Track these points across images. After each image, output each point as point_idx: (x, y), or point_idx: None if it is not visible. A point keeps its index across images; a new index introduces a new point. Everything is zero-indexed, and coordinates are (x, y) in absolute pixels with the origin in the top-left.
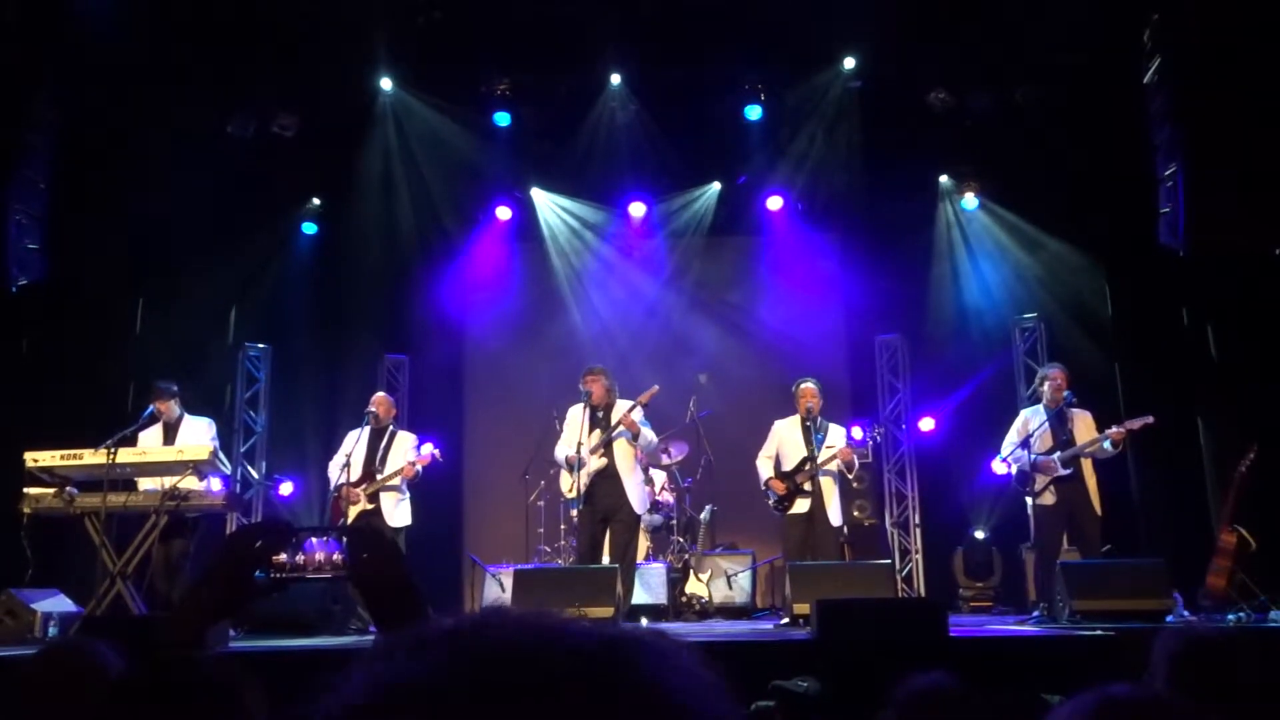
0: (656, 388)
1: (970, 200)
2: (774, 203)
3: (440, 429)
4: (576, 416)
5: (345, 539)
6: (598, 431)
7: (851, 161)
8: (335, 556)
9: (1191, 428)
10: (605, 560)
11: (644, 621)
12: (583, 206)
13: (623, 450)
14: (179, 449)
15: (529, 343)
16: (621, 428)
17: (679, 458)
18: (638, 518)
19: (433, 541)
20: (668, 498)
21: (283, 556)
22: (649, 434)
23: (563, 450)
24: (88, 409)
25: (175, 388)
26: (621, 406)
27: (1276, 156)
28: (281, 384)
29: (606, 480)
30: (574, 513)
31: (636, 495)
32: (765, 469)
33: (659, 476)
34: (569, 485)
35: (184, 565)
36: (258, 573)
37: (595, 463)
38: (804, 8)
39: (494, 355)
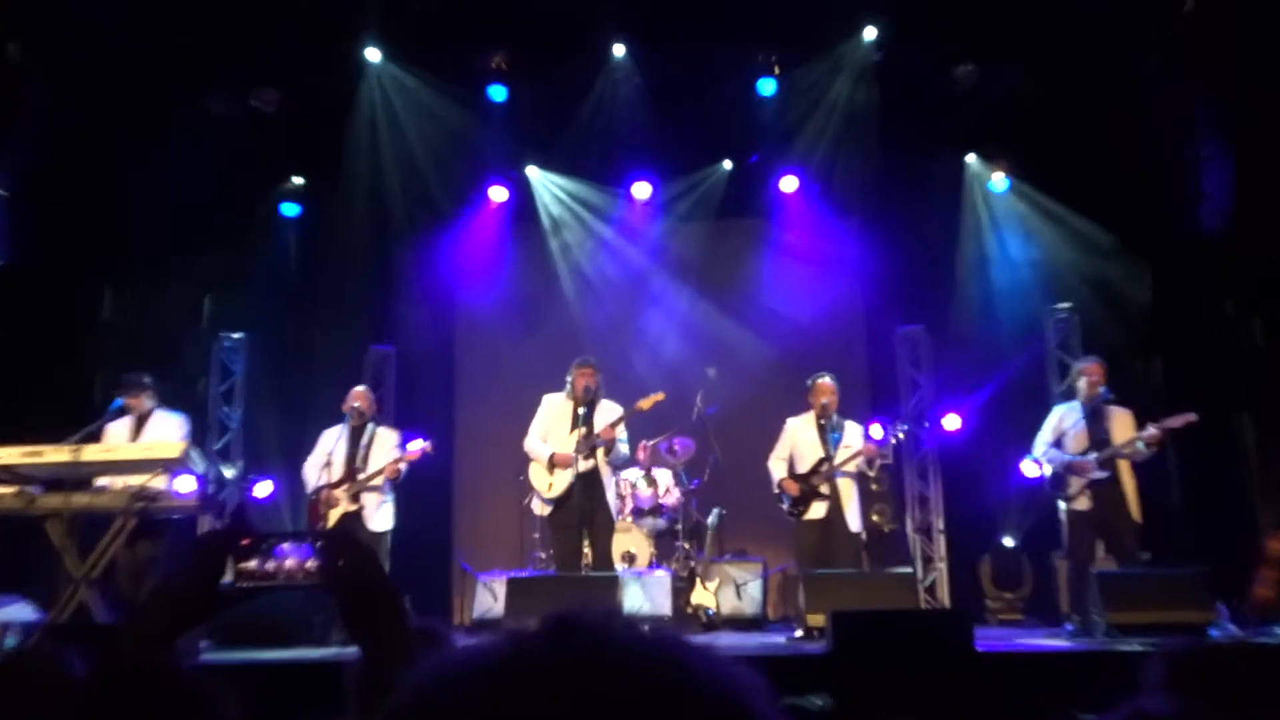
0: (661, 395)
1: (999, 181)
2: (788, 184)
3: (429, 425)
4: (557, 409)
5: (319, 544)
6: (580, 432)
7: (871, 140)
8: (308, 563)
9: (1237, 427)
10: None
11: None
12: (583, 187)
13: (604, 455)
14: (148, 446)
15: (525, 333)
16: (601, 438)
17: (684, 456)
18: (614, 523)
19: (419, 547)
20: (672, 500)
21: (252, 563)
22: (623, 449)
23: (542, 446)
24: (50, 403)
25: (147, 380)
26: (607, 408)
27: None
28: (259, 376)
29: (588, 483)
30: (540, 511)
31: (613, 500)
32: (778, 470)
33: (663, 477)
34: (546, 483)
35: (152, 571)
36: (224, 581)
37: (581, 464)
38: None
39: (487, 346)
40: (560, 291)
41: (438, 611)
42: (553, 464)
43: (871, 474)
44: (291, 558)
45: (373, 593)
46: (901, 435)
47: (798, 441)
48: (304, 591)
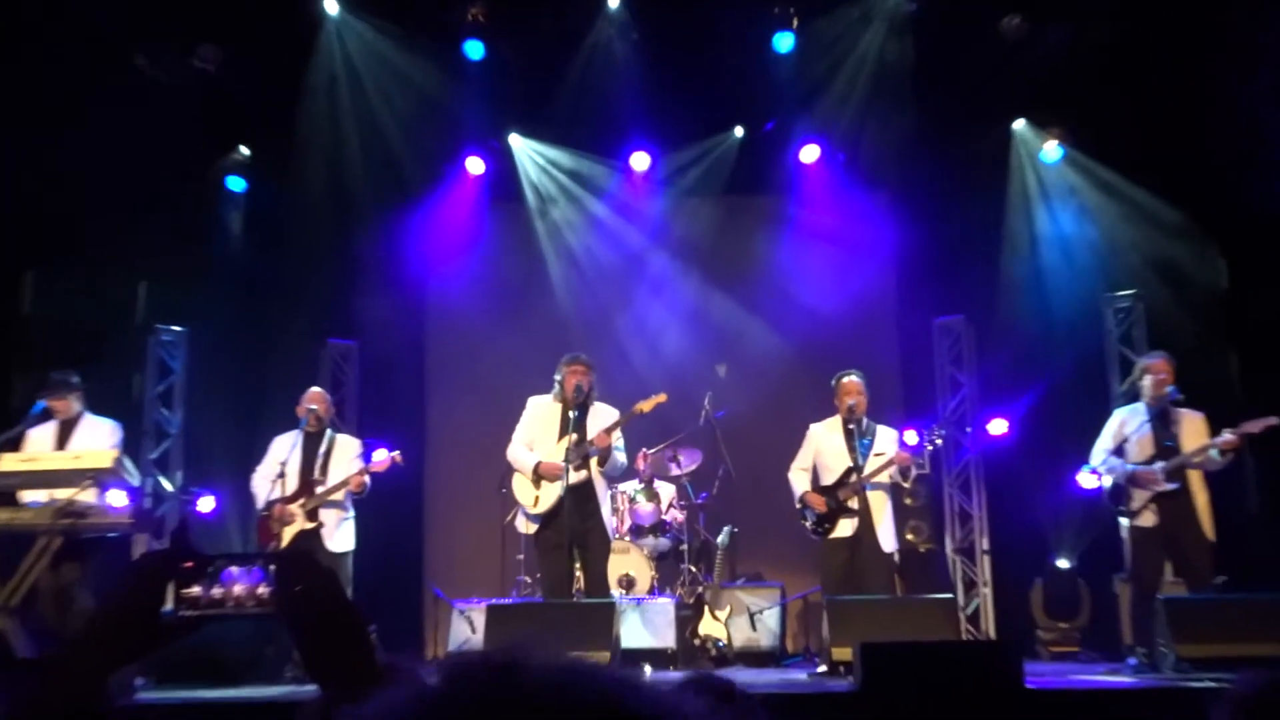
0: (663, 396)
1: (1052, 150)
2: (809, 154)
3: (397, 432)
4: (545, 412)
5: (272, 567)
6: (571, 438)
7: (904, 103)
8: (260, 589)
9: None
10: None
11: (647, 670)
12: (573, 158)
13: (596, 463)
14: (76, 455)
15: (507, 326)
16: (594, 445)
17: (690, 467)
18: (610, 543)
19: (385, 570)
20: (676, 516)
21: (195, 589)
22: (620, 458)
23: (526, 455)
24: None
25: (74, 379)
26: (601, 411)
27: None
28: (202, 376)
29: (580, 498)
30: (524, 529)
31: (609, 517)
32: (800, 483)
33: (666, 491)
34: (532, 497)
35: (80, 597)
36: (163, 609)
37: (572, 476)
38: None
39: (464, 341)
40: (547, 278)
41: (407, 644)
42: (539, 475)
43: (906, 486)
44: (240, 583)
45: (334, 623)
46: (938, 441)
47: (822, 450)
48: (254, 621)
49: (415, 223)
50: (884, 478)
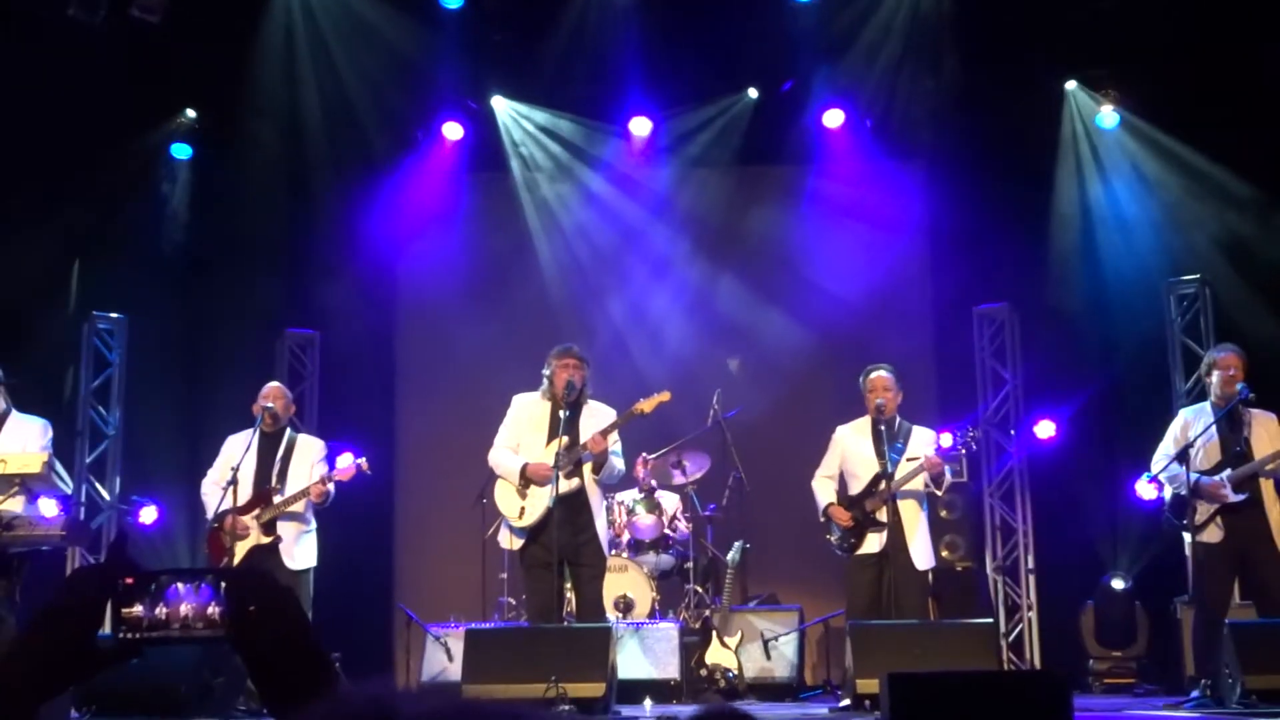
0: (666, 395)
1: (1108, 116)
2: (832, 118)
3: (363, 433)
4: (532, 412)
5: (223, 585)
6: (562, 441)
7: (942, 60)
8: (210, 609)
9: None
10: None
11: (648, 705)
12: (563, 123)
13: (590, 469)
14: (1, 458)
15: (488, 313)
16: (588, 449)
17: (697, 475)
18: (606, 560)
19: (351, 590)
20: (681, 530)
21: (137, 609)
22: (617, 463)
23: (511, 458)
24: None
25: None
26: (595, 411)
27: None
28: (143, 369)
29: (572, 509)
30: (508, 544)
31: (604, 531)
32: (824, 493)
33: (669, 502)
34: (516, 508)
35: (4, 617)
36: (102, 632)
37: (563, 483)
38: None
39: (439, 331)
40: (534, 259)
41: (375, 670)
42: (525, 479)
43: (940, 495)
44: (188, 602)
45: (292, 649)
46: (973, 444)
47: (849, 455)
48: (203, 646)
49: (384, 196)
50: (917, 485)
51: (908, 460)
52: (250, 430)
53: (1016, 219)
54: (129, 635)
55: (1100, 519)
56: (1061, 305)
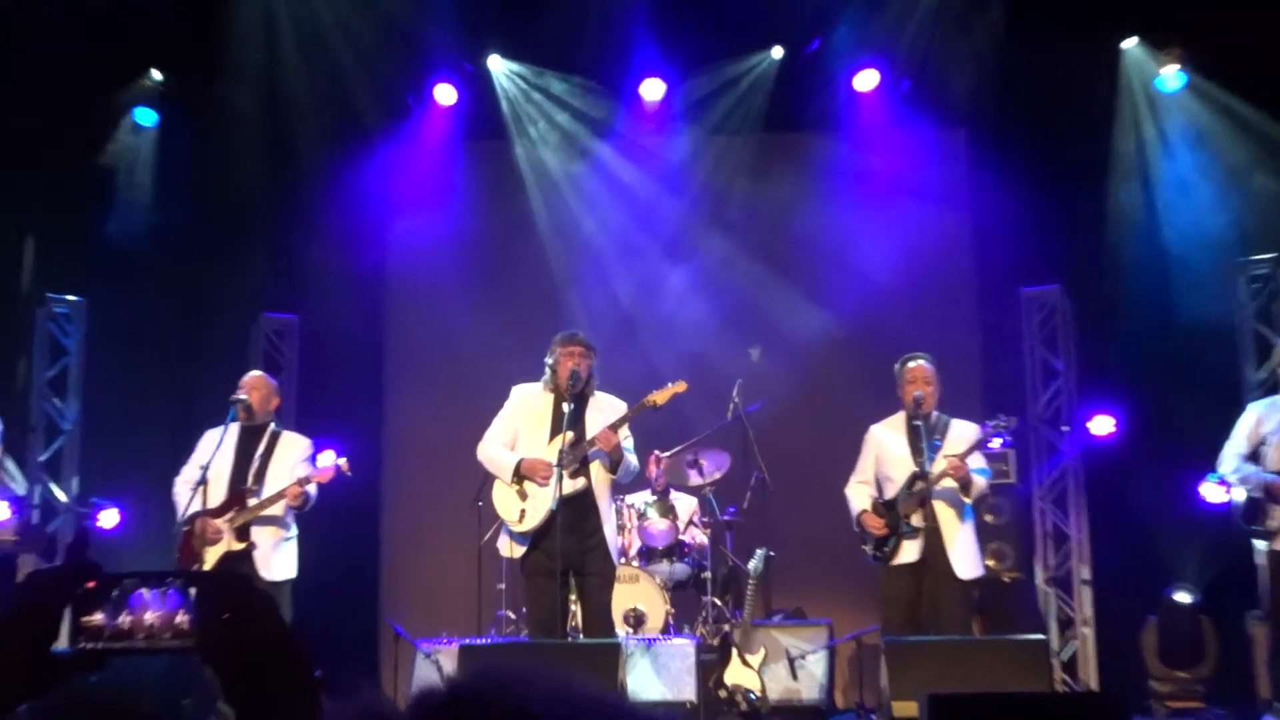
0: (682, 385)
1: (1172, 77)
2: (864, 80)
3: (348, 428)
4: (532, 404)
5: (194, 590)
6: (566, 437)
7: (987, 15)
8: (179, 618)
9: None
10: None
11: None
12: (567, 86)
13: (600, 471)
14: None
15: (486, 296)
16: (597, 446)
17: (715, 475)
18: (615, 569)
19: (334, 602)
20: (697, 536)
21: (98, 617)
22: (632, 460)
23: (504, 454)
24: None
25: None
26: (603, 404)
27: None
28: (103, 357)
29: (577, 512)
30: (507, 551)
31: (613, 537)
32: (859, 499)
33: (684, 504)
34: (516, 511)
35: None
36: (60, 644)
37: (568, 484)
38: None
39: (431, 315)
40: (536, 237)
41: (359, 688)
42: (521, 477)
43: (968, 500)
44: (154, 609)
45: (270, 662)
46: (1005, 434)
47: (884, 455)
48: (171, 657)
49: (372, 167)
50: (951, 482)
51: (945, 458)
52: (223, 425)
53: (1069, 191)
54: (89, 646)
55: (1163, 524)
56: (1119, 287)
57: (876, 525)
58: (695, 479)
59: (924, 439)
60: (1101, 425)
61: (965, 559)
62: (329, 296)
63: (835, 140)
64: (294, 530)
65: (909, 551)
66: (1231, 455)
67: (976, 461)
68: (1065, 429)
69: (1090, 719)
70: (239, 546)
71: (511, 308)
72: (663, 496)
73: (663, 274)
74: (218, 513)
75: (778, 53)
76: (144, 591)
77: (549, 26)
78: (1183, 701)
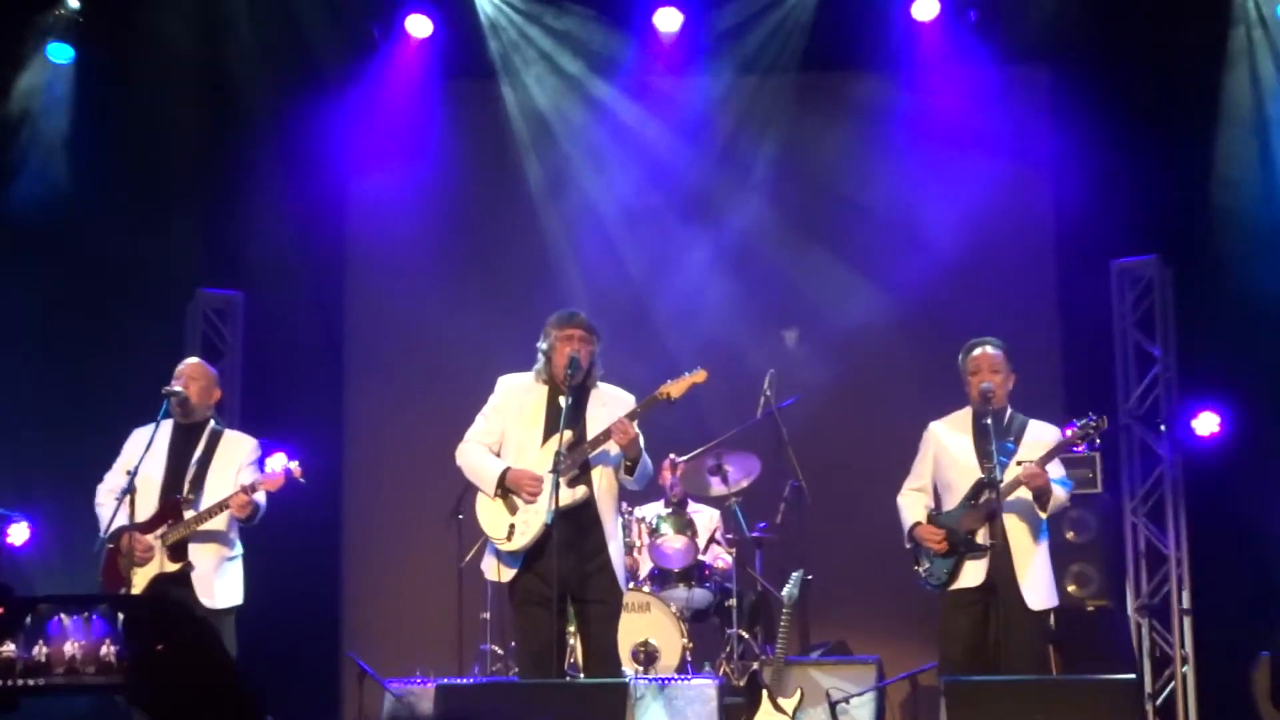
0: (702, 374)
1: None
2: (924, 9)
3: (302, 426)
4: (521, 398)
5: (122, 618)
6: (564, 437)
7: None
8: (104, 649)
9: None
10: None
11: None
12: (565, 17)
13: (604, 478)
14: None
15: (466, 269)
16: (608, 442)
17: (742, 483)
18: (622, 595)
19: (286, 634)
20: (721, 556)
21: (8, 648)
22: (647, 460)
23: (487, 459)
24: None
25: None
26: (607, 398)
27: None
28: (8, 346)
29: (577, 528)
30: (493, 574)
31: (620, 557)
32: (912, 509)
33: (705, 518)
34: (504, 527)
35: None
36: None
37: (565, 493)
38: None
39: (400, 292)
40: (527, 198)
41: None
42: (506, 489)
43: (1044, 516)
44: (75, 639)
45: (212, 701)
46: (1096, 438)
47: (944, 459)
48: (95, 696)
49: (331, 114)
50: (1024, 492)
51: (1019, 464)
52: (154, 423)
53: (1170, 143)
54: (1, 683)
55: (1278, 544)
56: (1228, 259)
57: (935, 538)
58: (718, 488)
59: (993, 440)
60: (1206, 424)
61: (1038, 586)
62: (279, 270)
63: (889, 82)
64: (239, 548)
65: (972, 574)
66: None
67: (1056, 470)
68: (1163, 428)
69: None
70: (174, 568)
71: (497, 283)
72: (679, 509)
73: (679, 242)
74: (148, 527)
75: None
76: (63, 618)
77: None
78: None
